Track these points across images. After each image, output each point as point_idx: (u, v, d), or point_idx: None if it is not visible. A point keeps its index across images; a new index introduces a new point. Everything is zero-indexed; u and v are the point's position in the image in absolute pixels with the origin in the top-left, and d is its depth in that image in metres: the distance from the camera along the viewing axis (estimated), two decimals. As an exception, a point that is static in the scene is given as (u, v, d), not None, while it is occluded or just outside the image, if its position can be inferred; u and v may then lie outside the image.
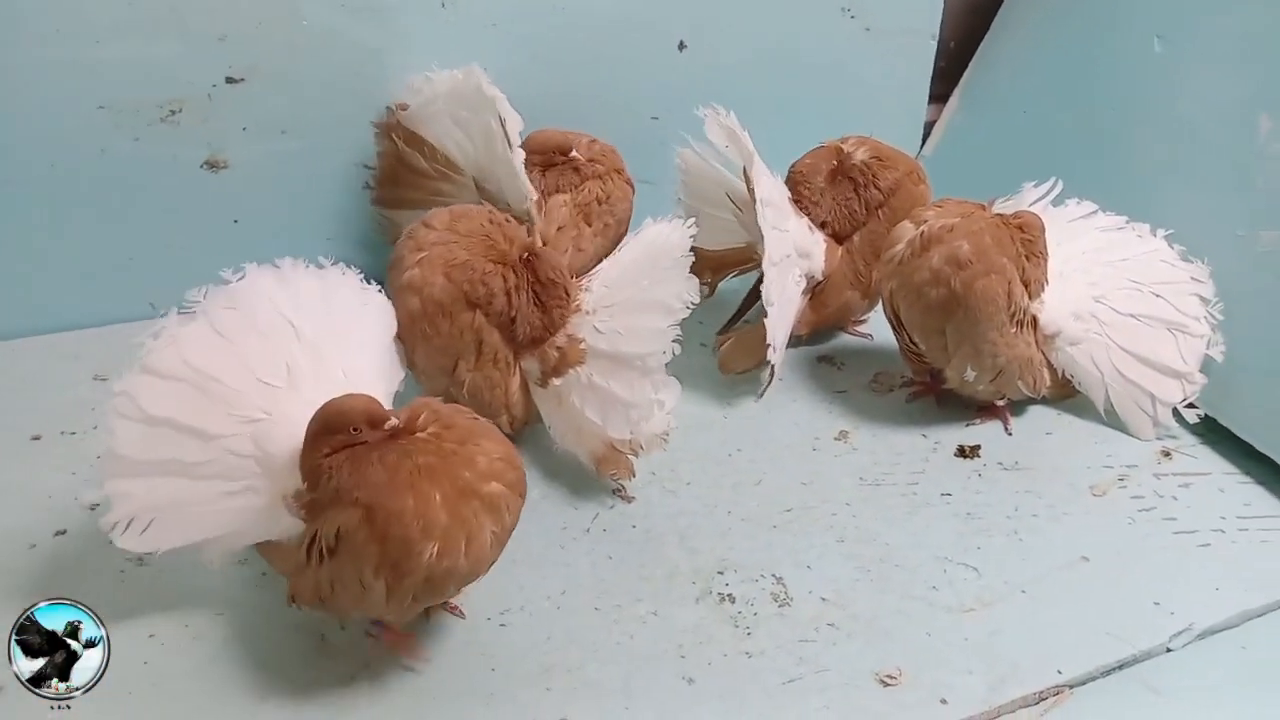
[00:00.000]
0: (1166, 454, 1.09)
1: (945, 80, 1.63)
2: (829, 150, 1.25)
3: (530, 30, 1.30)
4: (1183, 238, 1.14)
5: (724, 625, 0.86)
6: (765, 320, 1.09)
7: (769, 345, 1.09)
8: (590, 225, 1.28)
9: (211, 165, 1.22)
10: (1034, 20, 1.48)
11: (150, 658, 0.80)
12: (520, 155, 1.15)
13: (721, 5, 1.39)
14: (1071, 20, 1.41)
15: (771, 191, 1.13)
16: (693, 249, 1.22)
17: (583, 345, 0.96)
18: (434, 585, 0.72)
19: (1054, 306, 1.07)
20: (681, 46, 1.40)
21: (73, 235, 1.19)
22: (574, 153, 1.24)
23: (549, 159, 1.25)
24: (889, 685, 0.81)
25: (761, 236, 1.09)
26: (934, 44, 1.55)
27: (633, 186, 1.28)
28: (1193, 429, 1.13)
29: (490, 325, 0.97)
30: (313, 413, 0.73)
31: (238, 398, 0.76)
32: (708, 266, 1.24)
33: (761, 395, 1.16)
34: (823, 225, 1.23)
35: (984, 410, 1.14)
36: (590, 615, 0.87)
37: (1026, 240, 1.03)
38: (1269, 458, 1.05)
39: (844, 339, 1.31)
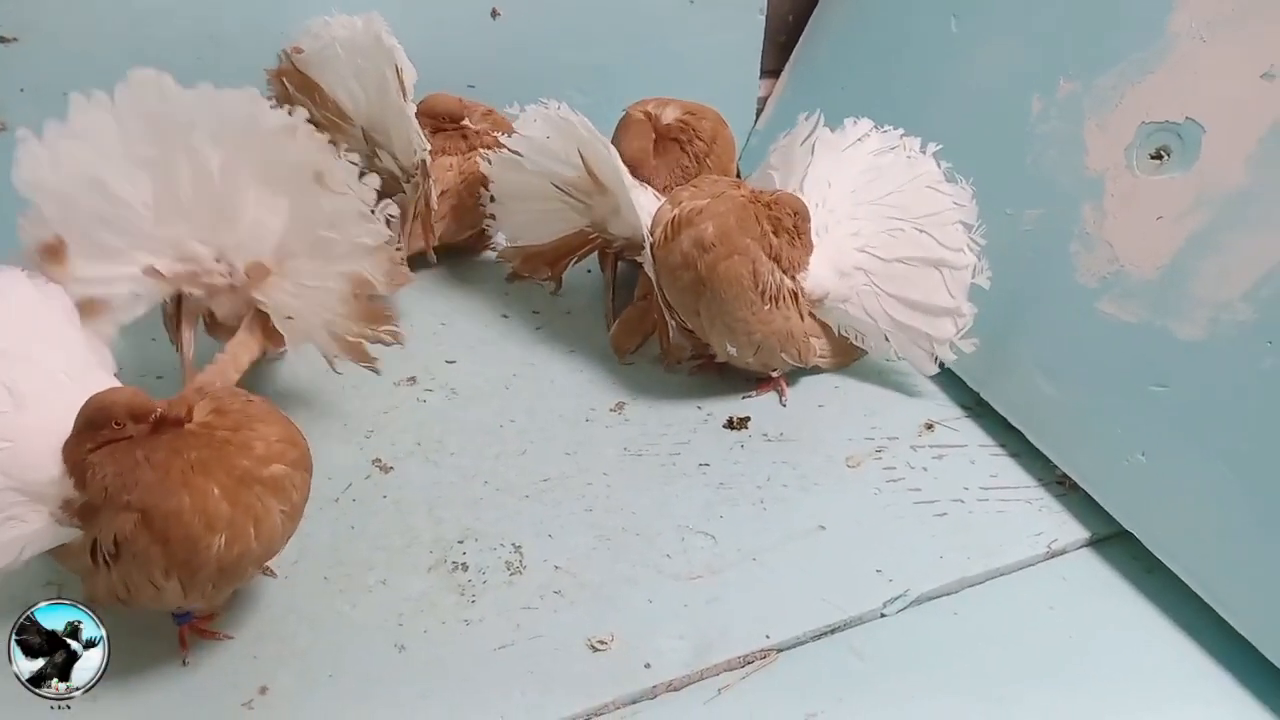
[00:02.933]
0: (929, 426, 1.13)
1: (785, 55, 1.64)
2: (639, 124, 1.26)
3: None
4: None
5: (450, 594, 0.88)
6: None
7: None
8: (471, 198, 1.28)
9: (-12, 126, 1.18)
10: (859, 4, 1.49)
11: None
12: (413, 107, 1.16)
13: (534, -28, 1.39)
14: (894, 11, 1.42)
15: (627, 175, 1.12)
16: (526, 247, 1.24)
17: None
18: (229, 572, 0.72)
19: (818, 268, 1.09)
20: (494, 14, 1.38)
21: None
22: (465, 121, 1.25)
23: (439, 124, 1.25)
24: (598, 650, 0.83)
25: (637, 218, 1.10)
26: (762, 18, 1.55)
27: None
28: (960, 402, 1.16)
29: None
30: (52, 425, 0.71)
31: None
32: (545, 261, 1.25)
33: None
34: (665, 189, 1.23)
35: (761, 382, 1.16)
36: (317, 584, 0.88)
37: (774, 218, 1.04)
38: (1021, 430, 1.09)
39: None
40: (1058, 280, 1.08)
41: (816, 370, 1.19)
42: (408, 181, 1.23)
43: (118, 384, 0.77)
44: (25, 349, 0.77)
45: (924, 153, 1.15)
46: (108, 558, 0.70)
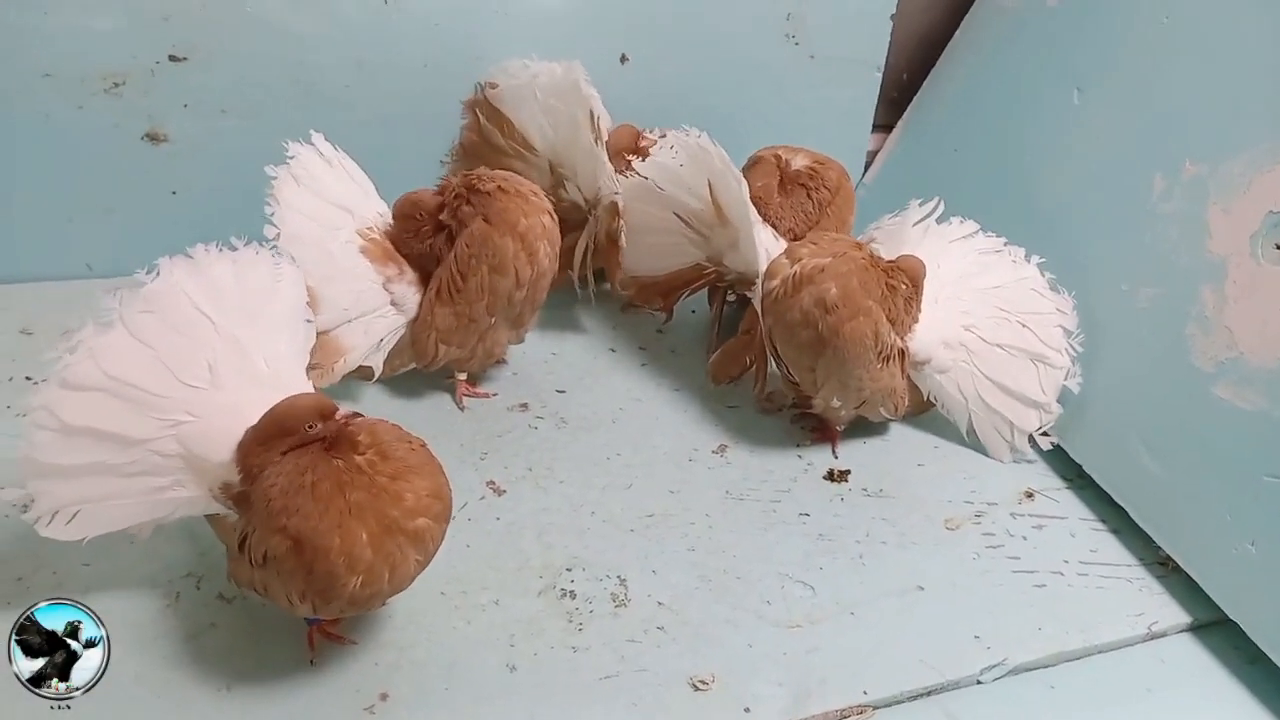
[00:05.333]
0: (1029, 495, 1.13)
1: (897, 110, 1.66)
2: (767, 164, 1.30)
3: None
4: (1075, 286, 1.18)
5: (558, 619, 0.91)
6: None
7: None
8: None
9: (152, 138, 1.27)
10: (973, 60, 1.51)
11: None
12: (605, 151, 1.24)
13: (663, 21, 1.44)
14: (1005, 64, 1.44)
15: (752, 210, 1.16)
16: (642, 277, 1.29)
17: None
18: (358, 605, 0.77)
19: (925, 334, 1.12)
20: (623, 59, 1.44)
21: (13, 194, 1.25)
22: (634, 159, 1.31)
23: (615, 157, 1.31)
24: (699, 690, 0.86)
25: (755, 254, 1.15)
26: (879, 75, 1.58)
27: None
28: (1061, 473, 1.16)
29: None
30: (238, 410, 0.76)
31: (160, 402, 0.77)
32: (660, 292, 1.30)
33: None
34: (787, 232, 1.28)
35: (818, 432, 1.19)
36: (434, 599, 0.92)
37: (892, 284, 1.06)
38: (1124, 508, 1.09)
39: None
40: (1171, 361, 1.08)
41: (913, 427, 1.22)
42: (590, 213, 1.29)
43: (309, 385, 0.83)
44: (239, 331, 0.81)
45: (1028, 261, 1.19)
46: (259, 560, 0.74)
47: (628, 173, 1.27)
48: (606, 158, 1.24)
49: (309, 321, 0.90)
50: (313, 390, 0.80)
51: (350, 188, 1.11)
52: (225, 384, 0.79)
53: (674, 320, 1.33)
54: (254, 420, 0.76)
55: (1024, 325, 1.14)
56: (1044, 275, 1.18)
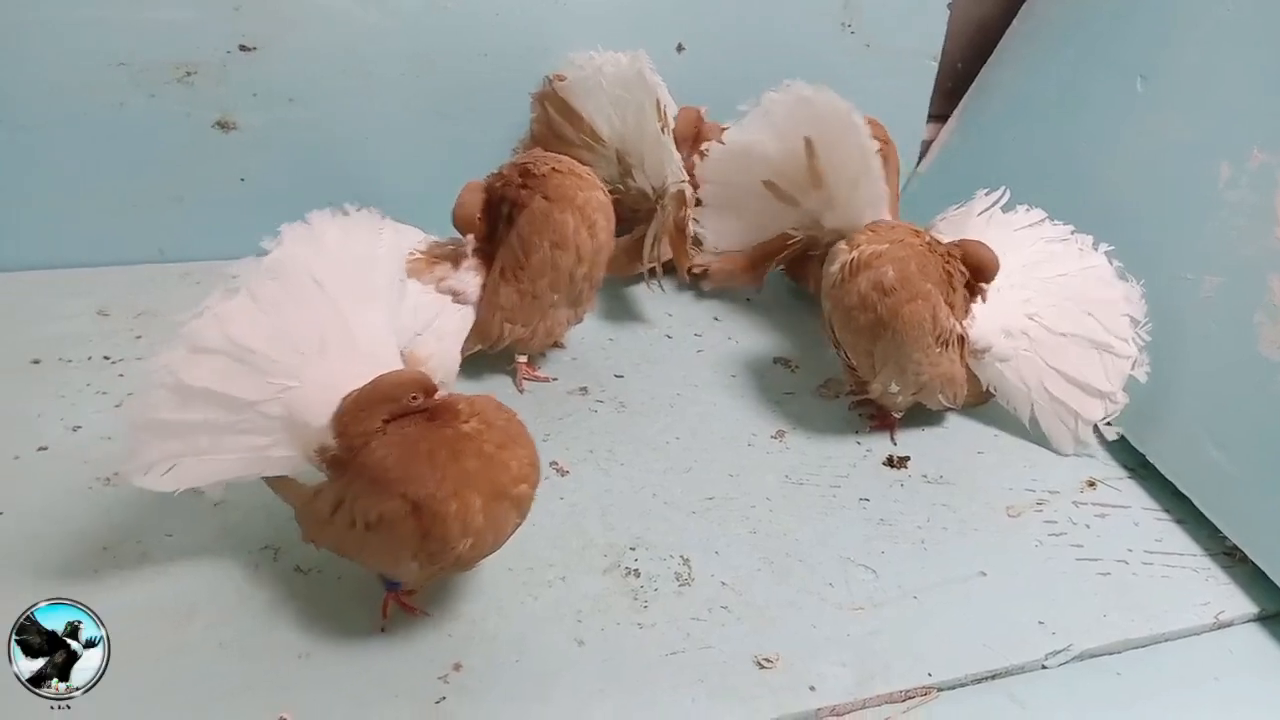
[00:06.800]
0: (1091, 484, 1.13)
1: (951, 100, 1.66)
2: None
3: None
4: (1137, 275, 1.17)
5: (623, 597, 0.93)
6: None
7: None
8: None
9: (222, 125, 1.30)
10: (1031, 50, 1.50)
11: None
12: (672, 139, 1.26)
13: (718, 10, 1.44)
14: (1064, 53, 1.43)
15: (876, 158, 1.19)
16: (726, 253, 1.33)
17: None
18: (461, 565, 0.81)
19: (985, 322, 1.11)
20: (679, 48, 1.45)
21: (89, 180, 1.29)
22: (701, 148, 1.35)
23: (679, 143, 1.33)
24: (764, 668, 0.87)
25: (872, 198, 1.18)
26: (934, 65, 1.57)
27: None
28: (1123, 463, 1.16)
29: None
30: (339, 379, 0.80)
31: (273, 367, 0.81)
32: (743, 267, 1.34)
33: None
34: None
35: (876, 419, 1.19)
36: (503, 574, 0.93)
37: (949, 266, 1.06)
38: (1189, 497, 1.08)
39: (804, 341, 1.35)
40: (1238, 349, 1.07)
41: (972, 417, 1.21)
42: (657, 203, 1.30)
43: (398, 358, 0.86)
44: (348, 303, 0.85)
45: (1096, 249, 1.17)
46: (363, 525, 0.77)
47: (703, 153, 1.29)
48: (673, 146, 1.25)
49: (402, 282, 0.95)
50: (402, 362, 0.83)
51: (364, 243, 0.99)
52: (329, 354, 0.82)
53: (728, 307, 1.34)
54: (348, 390, 0.79)
55: (1089, 313, 1.13)
56: (1112, 263, 1.17)
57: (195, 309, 0.82)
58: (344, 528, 0.79)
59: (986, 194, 1.20)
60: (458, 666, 0.84)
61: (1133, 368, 1.13)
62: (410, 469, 0.76)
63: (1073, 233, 1.19)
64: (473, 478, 0.76)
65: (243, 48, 1.27)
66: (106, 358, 1.16)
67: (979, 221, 1.17)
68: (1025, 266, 1.15)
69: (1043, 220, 1.20)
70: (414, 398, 0.79)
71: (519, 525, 0.81)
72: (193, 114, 1.28)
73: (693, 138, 1.36)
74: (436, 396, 0.80)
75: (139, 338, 1.20)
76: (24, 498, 0.95)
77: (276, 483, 0.86)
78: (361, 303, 0.87)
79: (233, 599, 0.87)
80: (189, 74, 1.26)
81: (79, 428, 1.05)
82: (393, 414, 0.79)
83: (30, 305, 1.24)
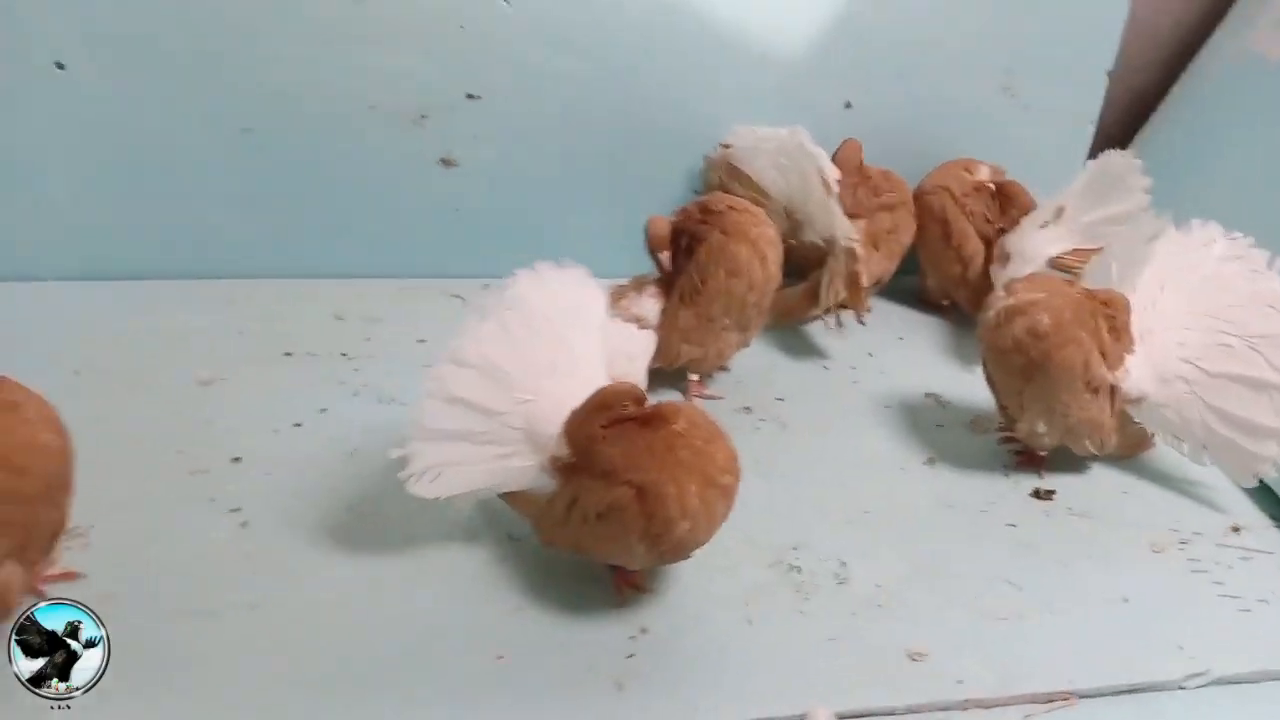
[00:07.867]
0: (1236, 529, 1.17)
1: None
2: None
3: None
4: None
5: (787, 588, 1.04)
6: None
7: None
8: (878, 250, 1.53)
9: (445, 162, 1.51)
10: (1188, 118, 1.56)
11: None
12: (838, 203, 1.40)
13: (885, 71, 1.57)
14: (1222, 122, 1.48)
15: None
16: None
17: None
18: (680, 551, 0.94)
19: (1139, 370, 1.17)
20: (848, 105, 1.58)
21: (333, 203, 1.51)
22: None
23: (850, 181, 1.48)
24: (915, 660, 0.96)
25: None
26: (1092, 129, 1.65)
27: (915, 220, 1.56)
28: (1270, 512, 1.20)
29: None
30: (565, 397, 0.95)
31: (517, 383, 0.97)
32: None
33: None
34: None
35: (1023, 456, 1.26)
36: (683, 563, 1.06)
37: (1108, 315, 1.14)
38: (1339, 549, 1.11)
39: (952, 378, 1.45)
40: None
41: (1117, 463, 1.28)
42: (829, 251, 1.43)
43: (607, 379, 1.01)
44: (570, 334, 1.02)
45: (1270, 269, 1.18)
46: (594, 517, 0.91)
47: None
48: (839, 209, 1.39)
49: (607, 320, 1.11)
50: (626, 381, 0.98)
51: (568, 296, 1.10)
52: (558, 375, 0.98)
53: (881, 344, 1.46)
54: (573, 406, 0.94)
55: (1253, 349, 1.14)
56: None
57: (459, 329, 0.98)
58: (578, 523, 0.92)
59: (1156, 215, 1.25)
60: (644, 630, 0.97)
61: None
62: (632, 460, 0.89)
63: (1251, 246, 1.19)
64: (686, 466, 0.89)
65: (470, 96, 1.47)
66: (344, 354, 1.36)
67: (1146, 247, 1.21)
68: (1188, 300, 1.18)
69: (1218, 237, 1.21)
70: (626, 406, 0.93)
71: (726, 516, 0.93)
72: (423, 151, 1.50)
73: (856, 168, 1.50)
74: (645, 406, 0.94)
75: (368, 339, 1.40)
76: (285, 463, 1.14)
77: (513, 497, 1.00)
78: (580, 334, 1.03)
79: (460, 554, 1.03)
80: (424, 116, 1.47)
81: (325, 410, 1.24)
82: (610, 420, 0.92)
83: (279, 307, 1.46)
